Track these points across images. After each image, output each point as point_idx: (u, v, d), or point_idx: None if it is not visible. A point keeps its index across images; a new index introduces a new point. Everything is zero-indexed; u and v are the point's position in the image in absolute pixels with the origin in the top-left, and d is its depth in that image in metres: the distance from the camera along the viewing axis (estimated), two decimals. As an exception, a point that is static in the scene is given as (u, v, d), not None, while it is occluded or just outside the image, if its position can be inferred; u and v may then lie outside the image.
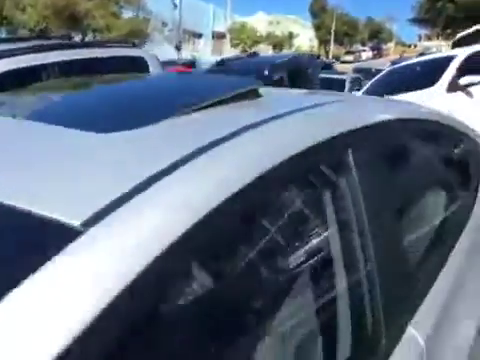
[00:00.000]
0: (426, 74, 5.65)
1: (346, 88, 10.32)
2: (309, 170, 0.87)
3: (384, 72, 6.65)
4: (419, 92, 5.19)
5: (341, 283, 0.89)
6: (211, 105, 0.87)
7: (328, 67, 14.67)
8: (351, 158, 0.91)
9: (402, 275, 0.94)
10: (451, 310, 0.99)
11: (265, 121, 0.82)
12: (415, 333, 0.89)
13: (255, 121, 0.81)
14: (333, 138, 0.88)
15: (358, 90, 7.88)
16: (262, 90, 1.07)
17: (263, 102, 1.01)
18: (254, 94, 1.03)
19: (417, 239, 1.19)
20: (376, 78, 6.57)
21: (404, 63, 7.06)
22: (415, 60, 6.89)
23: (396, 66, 7.12)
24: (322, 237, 0.91)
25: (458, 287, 1.05)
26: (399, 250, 0.98)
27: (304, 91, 1.40)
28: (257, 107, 0.97)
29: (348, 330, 0.86)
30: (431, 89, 5.27)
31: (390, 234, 0.98)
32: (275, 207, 0.83)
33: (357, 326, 0.86)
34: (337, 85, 9.84)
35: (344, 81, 10.70)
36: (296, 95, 1.25)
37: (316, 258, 0.88)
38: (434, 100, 5.00)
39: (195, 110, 0.82)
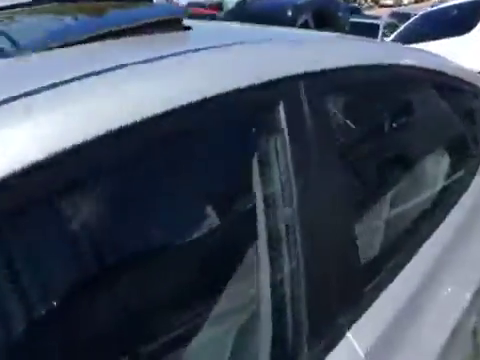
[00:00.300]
0: (463, 18, 5.06)
1: (379, 34, 9.60)
2: (222, 121, 0.67)
3: (417, 16, 6.04)
4: (452, 39, 4.68)
5: (263, 275, 0.70)
6: (103, 36, 0.68)
7: (356, 11, 12.82)
8: (282, 112, 0.68)
9: (342, 271, 0.73)
10: (411, 320, 0.77)
11: (162, 57, 0.64)
12: (354, 343, 0.70)
13: (147, 57, 0.62)
14: (256, 86, 0.66)
15: (390, 37, 7.28)
16: (191, 22, 0.84)
17: (181, 36, 0.78)
18: (176, 27, 0.80)
19: (389, 222, 0.97)
20: (407, 23, 5.99)
21: (441, 5, 6.40)
22: (453, 2, 6.23)
23: (431, 9, 6.47)
24: (241, 216, 0.71)
25: (422, 290, 0.82)
26: (345, 241, 0.76)
27: (254, 27, 1.13)
28: (165, 41, 0.74)
29: (268, 333, 0.68)
30: (466, 36, 4.73)
31: (335, 219, 0.76)
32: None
33: (277, 329, 0.68)
34: (369, 30, 9.13)
35: (377, 26, 9.93)
36: (235, 29, 1.00)
37: (230, 245, 0.69)
38: (469, 48, 4.51)
39: (78, 42, 0.64)
